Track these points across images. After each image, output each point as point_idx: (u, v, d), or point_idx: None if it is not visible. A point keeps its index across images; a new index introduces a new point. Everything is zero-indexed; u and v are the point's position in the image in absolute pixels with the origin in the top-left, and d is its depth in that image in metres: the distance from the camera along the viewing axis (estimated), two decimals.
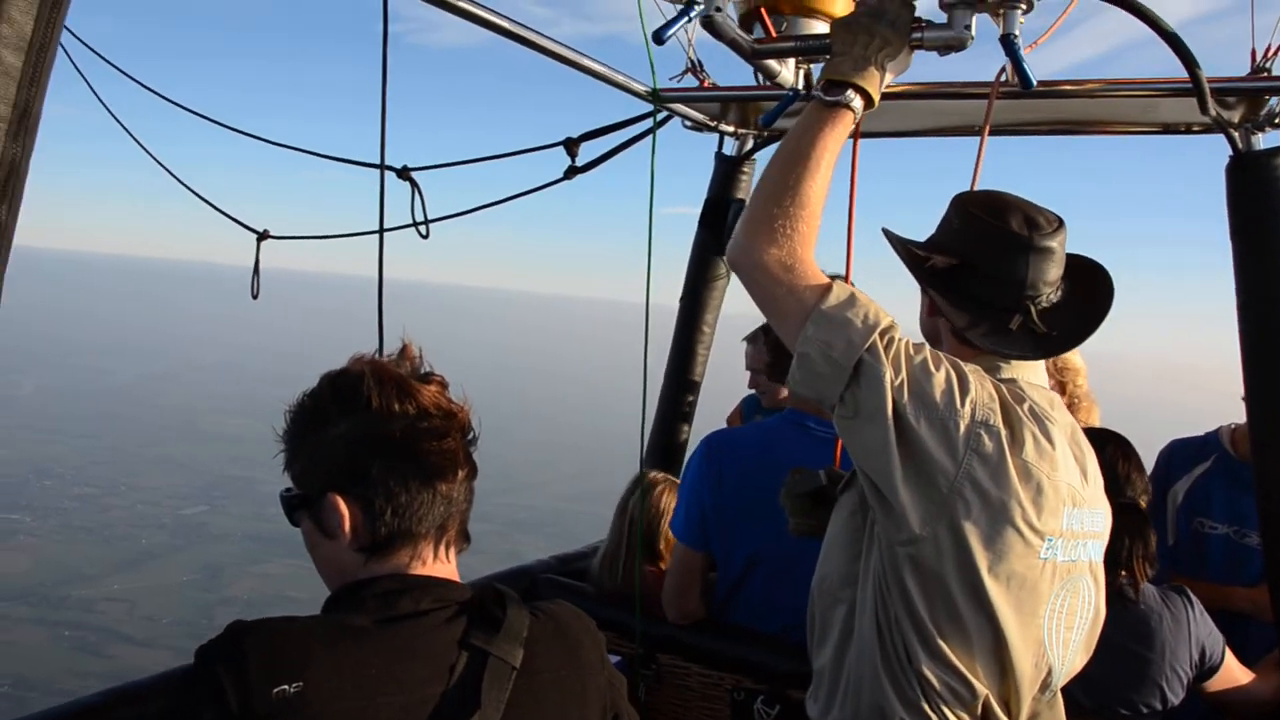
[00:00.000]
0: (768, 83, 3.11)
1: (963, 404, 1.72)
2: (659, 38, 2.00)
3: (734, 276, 3.71)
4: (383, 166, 2.25)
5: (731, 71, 3.37)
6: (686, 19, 1.98)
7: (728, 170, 3.53)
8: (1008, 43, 2.00)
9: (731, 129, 3.50)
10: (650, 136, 3.16)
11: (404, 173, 2.99)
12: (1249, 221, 2.81)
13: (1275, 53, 2.71)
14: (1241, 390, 3.46)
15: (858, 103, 1.87)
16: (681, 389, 3.65)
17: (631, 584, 2.95)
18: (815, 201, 1.80)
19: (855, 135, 2.43)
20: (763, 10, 2.23)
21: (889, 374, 1.70)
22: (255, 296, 3.28)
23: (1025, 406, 1.81)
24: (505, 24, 2.39)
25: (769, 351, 3.42)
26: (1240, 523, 3.37)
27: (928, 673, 1.76)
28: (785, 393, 3.97)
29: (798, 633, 2.65)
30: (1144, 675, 2.54)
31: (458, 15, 2.29)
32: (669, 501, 3.14)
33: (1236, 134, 2.80)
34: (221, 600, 19.86)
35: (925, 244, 2.02)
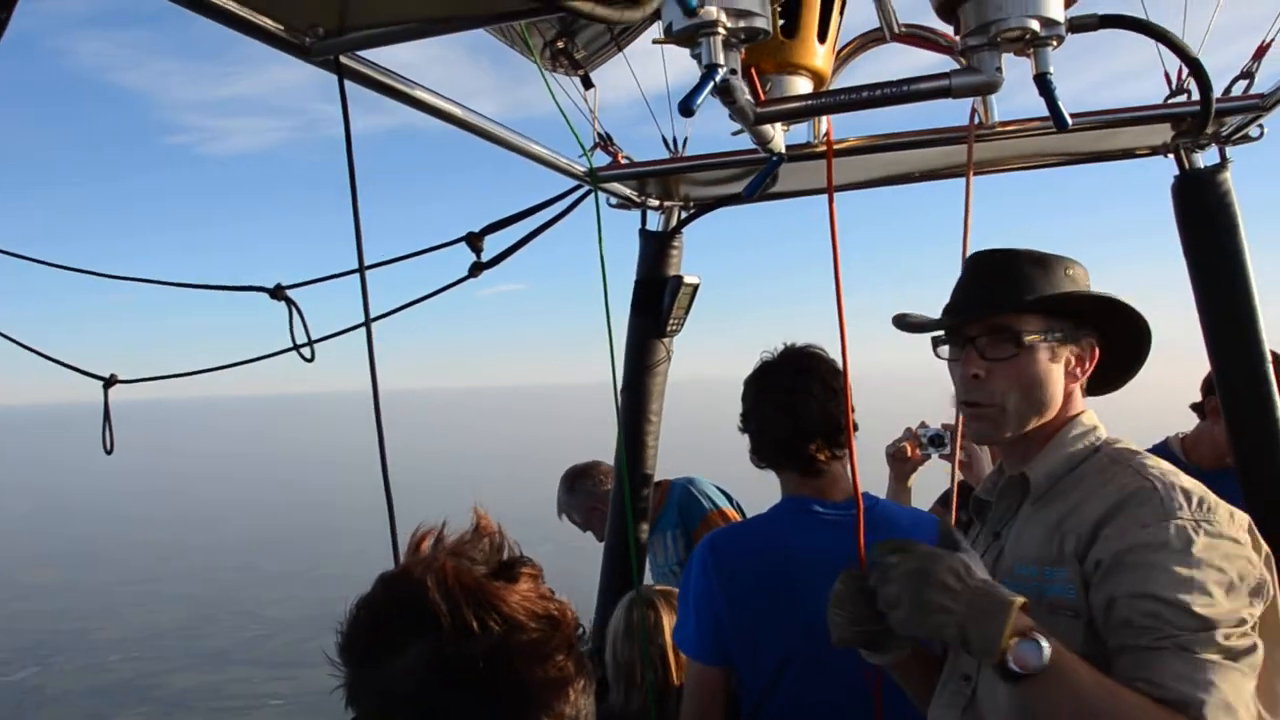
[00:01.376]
0: (679, 153, 3.00)
1: None
2: (687, 108, 1.75)
3: (673, 357, 3.51)
4: (360, 270, 1.91)
5: (633, 145, 3.18)
6: (711, 84, 1.74)
7: (656, 247, 3.29)
8: (1043, 82, 1.86)
9: (656, 203, 3.28)
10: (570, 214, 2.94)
11: (278, 292, 2.71)
12: (1200, 239, 2.82)
13: (1189, 74, 2.71)
14: (1188, 400, 3.50)
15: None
16: (635, 486, 3.35)
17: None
18: None
19: (829, 189, 2.34)
20: (753, 71, 2.06)
21: None
22: (109, 450, 2.87)
23: None
24: (449, 107, 2.19)
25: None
26: None
27: None
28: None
29: None
30: None
31: (401, 101, 2.06)
32: (668, 617, 2.82)
33: (1181, 154, 2.84)
34: None
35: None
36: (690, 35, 1.78)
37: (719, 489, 4.16)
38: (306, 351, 2.75)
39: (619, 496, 3.35)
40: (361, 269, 1.97)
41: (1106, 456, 1.91)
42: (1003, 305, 1.92)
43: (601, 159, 3.10)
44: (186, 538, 26.87)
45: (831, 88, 2.23)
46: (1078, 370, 1.96)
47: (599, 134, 3.03)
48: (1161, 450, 3.61)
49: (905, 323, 2.14)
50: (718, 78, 1.80)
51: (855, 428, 2.62)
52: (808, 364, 2.58)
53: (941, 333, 2.02)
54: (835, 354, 2.59)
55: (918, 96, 1.96)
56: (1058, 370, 1.92)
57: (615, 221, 3.41)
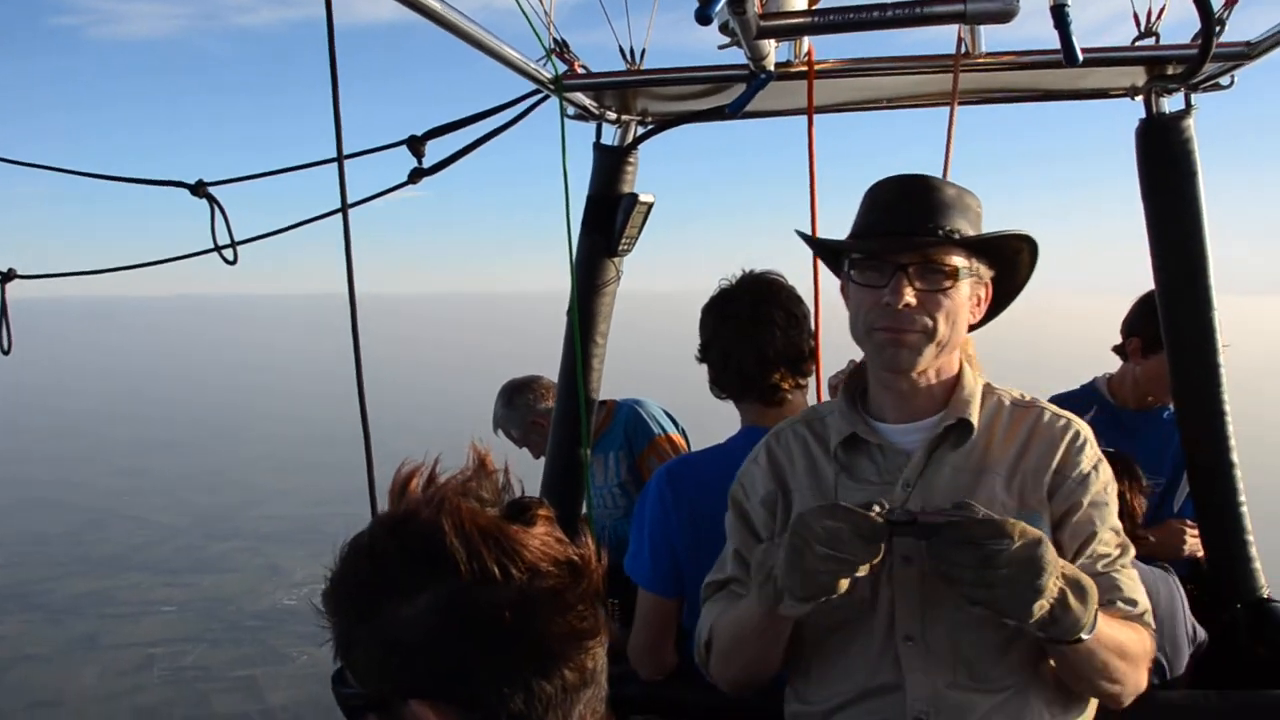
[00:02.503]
0: (636, 65, 2.84)
1: None
2: (705, 16, 1.60)
3: (623, 277, 3.37)
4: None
5: (585, 54, 2.99)
6: None
7: (611, 162, 3.12)
8: (1059, 13, 1.80)
9: (614, 117, 3.10)
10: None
11: (200, 189, 2.58)
12: (1160, 183, 2.84)
13: (1161, 15, 2.68)
14: (1114, 342, 3.56)
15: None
16: (579, 411, 3.23)
17: None
18: None
19: (809, 110, 2.24)
20: None
21: None
22: (6, 350, 2.70)
23: None
24: None
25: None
26: None
27: None
28: None
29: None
30: None
31: None
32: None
33: (1150, 97, 2.83)
34: None
35: None
36: None
37: (666, 413, 4.07)
38: (229, 253, 2.65)
39: (564, 418, 3.22)
40: (340, 158, 1.82)
41: (1009, 399, 2.05)
42: (945, 238, 1.87)
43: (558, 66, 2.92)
44: (73, 442, 25.86)
45: (837, 4, 2.10)
46: (976, 310, 1.98)
47: (556, 39, 2.85)
48: (1090, 391, 3.67)
49: (820, 243, 2.08)
50: None
51: (815, 354, 2.56)
52: (769, 291, 2.49)
53: (857, 255, 1.95)
54: (807, 276, 2.52)
55: (930, 20, 1.86)
56: (968, 307, 1.94)
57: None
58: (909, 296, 1.84)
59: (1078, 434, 2.00)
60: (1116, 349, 3.66)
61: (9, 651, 11.80)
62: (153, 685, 11.35)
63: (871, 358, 1.98)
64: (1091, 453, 1.99)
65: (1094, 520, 1.95)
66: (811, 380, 2.60)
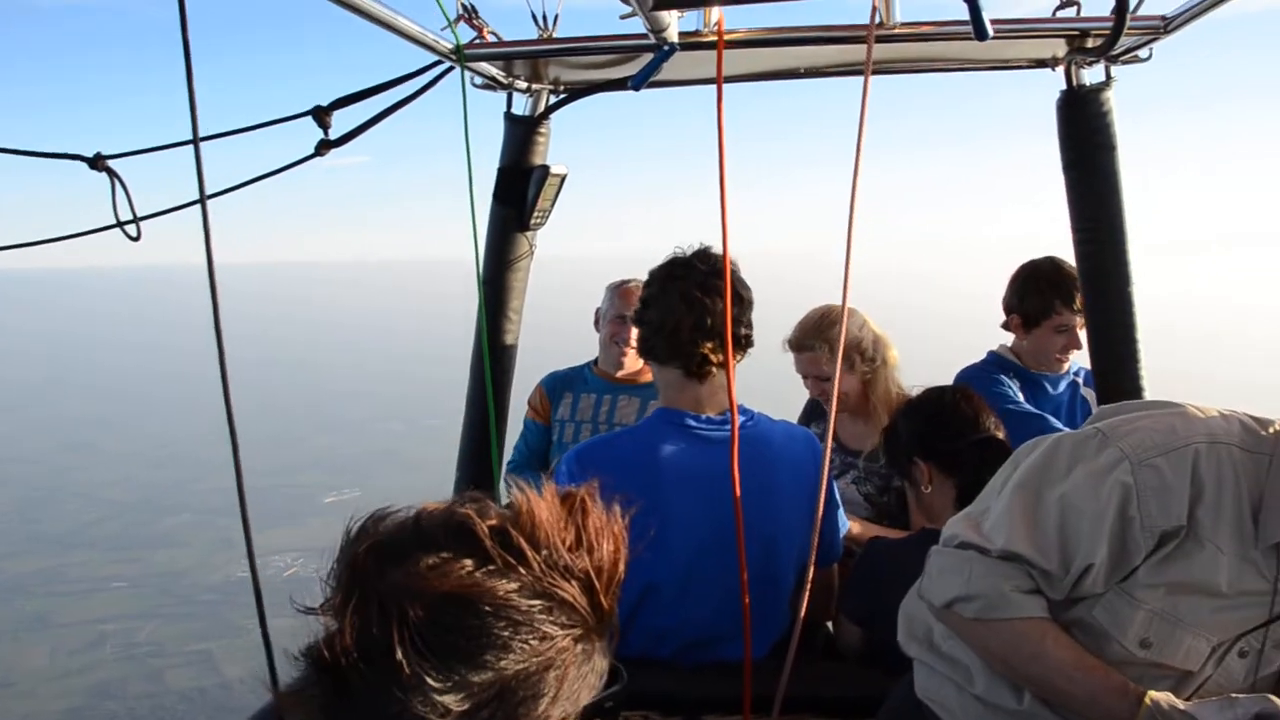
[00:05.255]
0: (548, 33, 2.70)
1: None
2: None
3: (536, 251, 3.24)
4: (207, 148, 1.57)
5: (498, 19, 2.83)
6: None
7: (522, 133, 2.97)
8: None
9: (524, 86, 2.94)
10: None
11: (98, 162, 2.39)
12: (1081, 155, 2.80)
13: None
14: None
15: None
16: (494, 389, 3.11)
17: None
18: None
19: (718, 81, 2.16)
20: None
21: None
22: None
23: None
24: None
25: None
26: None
27: None
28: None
29: (692, 654, 2.43)
30: None
31: None
32: None
33: (1071, 69, 2.77)
34: None
35: None
36: None
37: None
38: (132, 229, 2.48)
39: (478, 396, 3.10)
40: (196, 140, 1.64)
41: None
42: None
43: (466, 34, 2.76)
44: (11, 417, 25.21)
45: None
46: None
47: (463, 5, 2.69)
48: (995, 358, 3.63)
49: None
50: None
51: (750, 343, 2.47)
52: (722, 267, 2.39)
53: None
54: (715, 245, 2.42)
55: None
56: None
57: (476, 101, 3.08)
58: None
59: None
60: (1004, 326, 3.63)
61: None
62: (106, 662, 11.18)
63: None
64: None
65: None
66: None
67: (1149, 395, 2.85)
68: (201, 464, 17.96)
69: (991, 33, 1.81)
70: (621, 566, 1.07)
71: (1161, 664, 1.68)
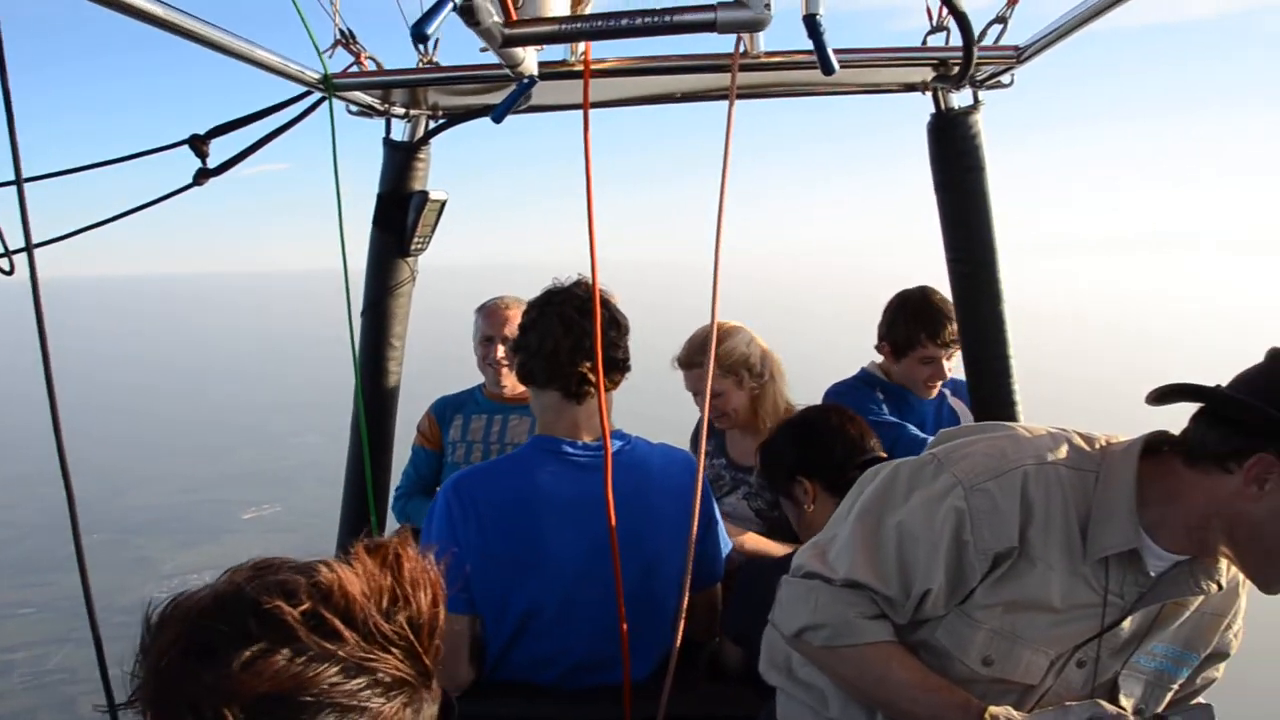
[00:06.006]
0: (431, 61, 2.68)
1: None
2: (421, 33, 1.48)
3: (419, 274, 3.20)
4: None
5: (377, 43, 2.81)
6: (451, 5, 1.47)
7: (401, 159, 2.93)
8: (811, 24, 1.75)
9: (402, 111, 2.91)
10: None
11: None
12: (950, 177, 2.84)
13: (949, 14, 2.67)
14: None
15: None
16: (376, 416, 3.07)
17: None
18: None
19: (585, 107, 2.19)
20: None
21: None
22: None
23: None
24: (155, 9, 1.77)
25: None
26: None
27: None
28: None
29: (575, 679, 2.45)
30: None
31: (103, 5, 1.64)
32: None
33: (939, 94, 2.81)
34: None
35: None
36: None
37: None
38: (5, 263, 2.37)
39: (356, 431, 3.06)
40: (19, 181, 1.51)
41: None
42: None
43: (344, 58, 2.72)
44: None
45: (590, 10, 2.00)
46: None
47: (340, 30, 2.66)
48: (865, 375, 3.72)
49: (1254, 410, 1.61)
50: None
51: (626, 366, 2.49)
52: (598, 295, 2.41)
53: None
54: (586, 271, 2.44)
55: (680, 28, 1.77)
56: None
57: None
58: None
59: (1243, 580, 1.82)
60: (877, 348, 3.72)
61: None
62: (14, 691, 10.77)
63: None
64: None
65: (1217, 663, 1.91)
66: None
67: (1022, 413, 2.92)
68: (113, 481, 17.47)
69: (837, 67, 1.84)
70: (441, 613, 1.04)
71: (1004, 679, 1.75)
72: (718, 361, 3.29)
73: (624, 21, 1.78)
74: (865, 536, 1.81)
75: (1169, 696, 1.85)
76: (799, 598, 1.85)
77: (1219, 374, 1.66)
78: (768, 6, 1.74)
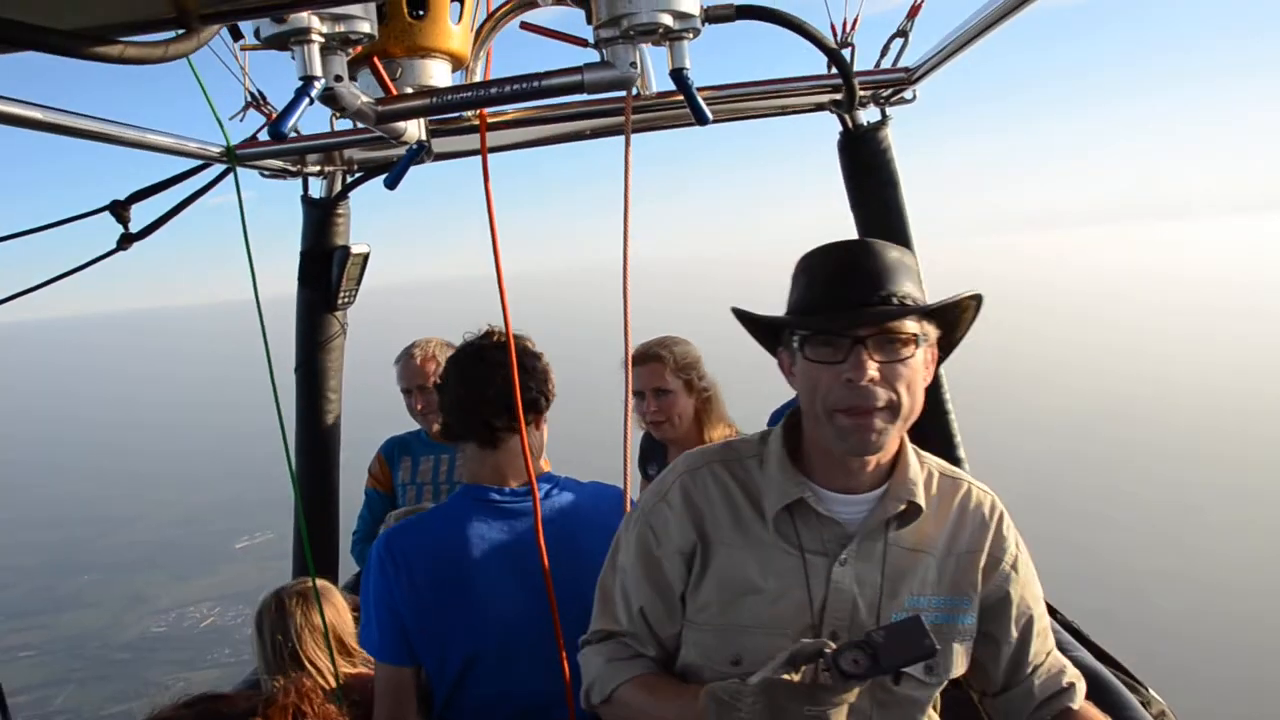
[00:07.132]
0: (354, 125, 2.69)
1: None
2: (278, 132, 1.51)
3: (348, 327, 3.21)
4: None
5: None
6: (307, 101, 1.51)
7: (320, 215, 2.96)
8: (679, 78, 1.80)
9: (317, 169, 2.93)
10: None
11: None
12: (863, 191, 2.89)
13: (854, 26, 2.72)
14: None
15: None
16: (321, 470, 3.10)
17: None
18: None
19: (483, 152, 2.21)
20: (375, 60, 1.80)
21: None
22: None
23: None
24: (46, 117, 1.87)
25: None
26: None
27: None
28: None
29: (523, 719, 2.45)
30: None
31: None
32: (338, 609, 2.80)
33: (845, 113, 2.85)
34: None
35: None
36: (282, 41, 1.55)
37: None
38: None
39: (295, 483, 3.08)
40: None
41: (936, 470, 1.93)
42: (903, 308, 1.70)
43: (256, 119, 2.74)
44: None
45: (466, 81, 2.03)
46: (927, 375, 1.80)
47: (250, 93, 2.67)
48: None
49: (760, 320, 1.85)
50: (314, 93, 1.58)
51: (545, 405, 2.51)
52: (504, 342, 2.43)
53: (806, 330, 1.74)
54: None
55: (550, 92, 1.81)
56: (923, 374, 1.77)
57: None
58: (871, 370, 1.68)
59: (1003, 514, 1.91)
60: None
61: None
62: None
63: (832, 440, 1.75)
64: (1014, 531, 1.92)
65: (1029, 604, 1.90)
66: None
67: (957, 427, 2.99)
68: (102, 520, 17.42)
69: (711, 117, 1.90)
70: None
71: None
72: (675, 357, 3.34)
73: (493, 90, 1.82)
74: (604, 589, 2.02)
75: (962, 647, 1.85)
76: (582, 664, 2.01)
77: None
78: (634, 65, 1.77)
